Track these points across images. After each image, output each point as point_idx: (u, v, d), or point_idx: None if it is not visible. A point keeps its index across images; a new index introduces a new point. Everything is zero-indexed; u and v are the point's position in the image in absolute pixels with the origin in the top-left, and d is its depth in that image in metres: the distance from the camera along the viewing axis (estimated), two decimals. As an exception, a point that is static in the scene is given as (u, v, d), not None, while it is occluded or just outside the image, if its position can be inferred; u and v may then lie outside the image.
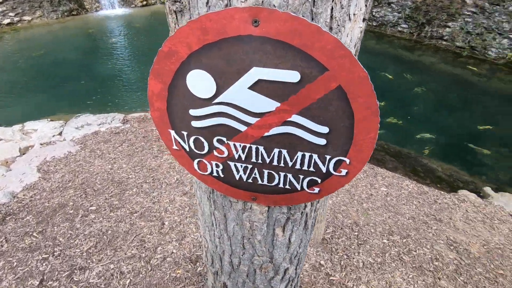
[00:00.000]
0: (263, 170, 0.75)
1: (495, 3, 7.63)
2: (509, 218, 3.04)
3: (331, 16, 0.57)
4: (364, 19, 0.64)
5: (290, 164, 0.72)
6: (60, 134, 4.21)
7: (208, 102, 0.66)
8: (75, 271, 2.19)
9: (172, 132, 0.74)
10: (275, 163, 0.73)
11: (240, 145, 0.71)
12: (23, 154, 3.68)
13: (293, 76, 0.58)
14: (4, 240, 2.41)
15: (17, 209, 2.76)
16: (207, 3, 0.58)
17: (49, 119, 4.72)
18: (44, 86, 6.63)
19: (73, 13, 10.56)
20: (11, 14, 9.60)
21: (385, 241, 2.57)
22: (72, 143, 3.97)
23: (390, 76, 7.10)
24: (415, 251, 2.48)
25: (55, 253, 2.35)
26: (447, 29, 8.40)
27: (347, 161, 0.67)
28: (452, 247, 2.56)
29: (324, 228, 2.56)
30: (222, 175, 0.79)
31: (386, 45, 8.90)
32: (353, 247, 2.50)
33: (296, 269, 1.06)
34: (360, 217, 2.83)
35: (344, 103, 0.59)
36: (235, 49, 0.58)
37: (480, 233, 2.77)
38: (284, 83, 0.59)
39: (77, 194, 2.98)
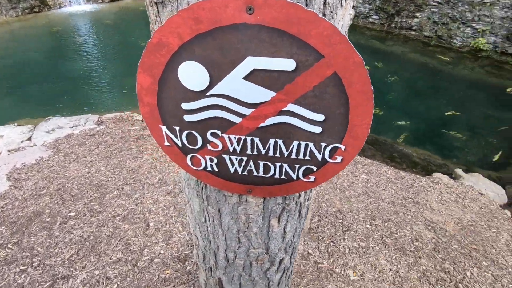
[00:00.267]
0: (259, 161, 0.74)
1: (459, -6, 8.04)
2: (479, 197, 3.26)
3: (324, 3, 0.57)
4: (353, 6, 0.65)
5: (286, 154, 0.72)
6: (30, 139, 3.97)
7: (201, 94, 0.64)
8: (58, 280, 2.10)
9: (164, 128, 0.71)
10: (270, 154, 0.72)
11: (235, 137, 0.70)
12: (-11, 162, 3.44)
13: (289, 65, 0.58)
14: (-25, 255, 2.26)
15: (-13, 221, 2.58)
16: (198, -9, 0.56)
17: (15, 124, 4.44)
18: (6, 90, 6.20)
19: (34, 10, 9.90)
20: (-37, 12, 8.86)
21: (368, 226, 2.67)
22: (43, 148, 3.76)
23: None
24: (397, 234, 2.60)
25: (33, 264, 2.24)
26: (415, 19, 8.75)
27: (342, 147, 0.69)
28: (429, 227, 2.70)
29: (310, 218, 2.61)
30: (216, 169, 0.78)
31: (359, 36, 9.13)
32: (338, 234, 2.57)
33: (290, 258, 1.07)
34: (344, 205, 2.91)
35: (340, 90, 0.60)
36: (229, 38, 0.56)
37: (454, 212, 2.95)
38: (280, 72, 0.59)
39: (54, 201, 2.84)
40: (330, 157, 0.71)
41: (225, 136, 0.71)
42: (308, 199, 0.94)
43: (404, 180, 3.40)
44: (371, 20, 9.59)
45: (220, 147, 0.73)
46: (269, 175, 0.76)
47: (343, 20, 0.63)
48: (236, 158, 0.75)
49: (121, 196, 2.91)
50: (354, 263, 2.32)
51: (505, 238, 2.71)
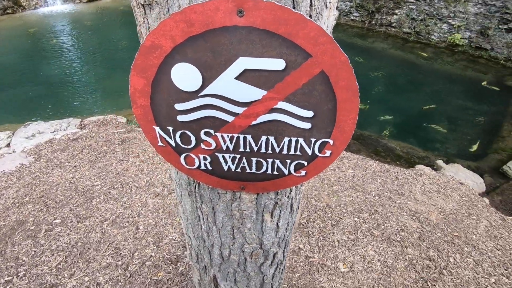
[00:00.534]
0: (251, 158, 0.77)
1: (434, -10, 8.33)
2: (459, 186, 3.40)
3: (311, 4, 0.60)
4: (337, 7, 0.68)
5: (277, 150, 0.74)
6: (8, 145, 3.83)
7: (194, 95, 0.66)
8: (46, 289, 2.05)
9: (157, 129, 0.73)
10: (263, 150, 0.75)
11: (228, 136, 0.72)
12: (-34, 171, 3.30)
13: (278, 64, 0.60)
14: (-44, 268, 2.18)
15: (-33, 232, 2.49)
16: (189, -6, 0.57)
17: (-8, 130, 4.26)
18: (-20, 95, 5.93)
19: (7, 11, 9.49)
20: None
21: (356, 219, 2.74)
22: (23, 154, 3.64)
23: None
24: (383, 225, 2.68)
25: (19, 274, 2.18)
26: (395, 16, 9.00)
27: (331, 142, 0.72)
28: (414, 218, 2.80)
29: (300, 214, 2.66)
30: (210, 168, 0.79)
31: (341, 33, 9.29)
32: (327, 228, 2.63)
33: (283, 252, 1.10)
34: (332, 200, 2.98)
35: (327, 87, 0.63)
36: (221, 40, 0.58)
37: (436, 202, 3.07)
38: (270, 71, 0.62)
39: (37, 209, 2.76)
40: (319, 151, 0.74)
41: (218, 134, 0.73)
42: (299, 194, 0.97)
43: (389, 173, 3.51)
44: (352, 17, 9.78)
45: (214, 145, 0.75)
46: (261, 171, 0.79)
47: (328, 20, 0.66)
48: (230, 156, 0.77)
49: (108, 201, 2.87)
50: (344, 255, 2.39)
51: (484, 224, 2.84)
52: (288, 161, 0.77)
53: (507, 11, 7.48)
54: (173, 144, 0.76)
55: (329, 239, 2.53)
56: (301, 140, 0.72)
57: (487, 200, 3.33)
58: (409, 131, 5.35)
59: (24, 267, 2.22)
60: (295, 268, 2.28)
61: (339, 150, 0.73)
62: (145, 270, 2.23)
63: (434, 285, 2.19)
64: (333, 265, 2.30)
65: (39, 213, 2.70)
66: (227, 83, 0.63)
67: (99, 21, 9.77)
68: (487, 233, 2.73)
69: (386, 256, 2.40)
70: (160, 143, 0.76)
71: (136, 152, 3.66)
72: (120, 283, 2.13)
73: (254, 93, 0.64)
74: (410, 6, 8.75)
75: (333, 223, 2.69)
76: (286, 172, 0.79)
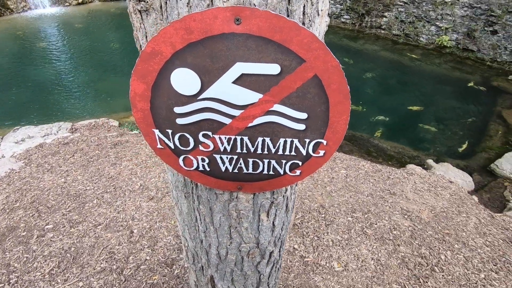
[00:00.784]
0: (248, 159, 0.79)
1: (422, -6, 8.54)
2: (449, 185, 3.49)
3: (304, 13, 0.63)
4: (328, 14, 0.71)
5: (273, 150, 0.77)
6: (-2, 150, 3.76)
7: (193, 98, 0.68)
8: (40, 295, 2.03)
9: (157, 132, 0.75)
10: (259, 151, 0.78)
11: (225, 137, 0.75)
12: (-46, 177, 3.24)
13: (274, 69, 0.63)
14: None
15: (-43, 239, 2.44)
16: (188, 3, 0.60)
17: (-20, 135, 4.19)
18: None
19: (-5, 14, 9.35)
20: None
21: (349, 218, 2.79)
22: (13, 159, 3.58)
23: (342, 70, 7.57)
24: (376, 224, 2.73)
25: (11, 281, 2.14)
26: (384, 18, 9.19)
27: (324, 142, 0.75)
28: (406, 216, 2.86)
29: (294, 215, 2.68)
30: (208, 169, 0.82)
31: (332, 36, 9.43)
32: (322, 228, 2.67)
33: (279, 251, 1.13)
34: (325, 200, 3.02)
35: (320, 90, 0.66)
36: (219, 46, 0.61)
37: (427, 200, 3.14)
38: (266, 76, 0.65)
39: (28, 214, 2.72)
40: (313, 151, 0.78)
41: (216, 136, 0.75)
42: (294, 193, 1.00)
43: (381, 173, 3.57)
44: (342, 20, 9.93)
45: (212, 147, 0.77)
46: (258, 171, 0.82)
47: (320, 27, 0.70)
48: (227, 157, 0.79)
49: (101, 205, 2.85)
50: (338, 255, 2.42)
51: (474, 221, 2.92)
52: (284, 161, 0.80)
53: (492, 13, 7.71)
54: (172, 146, 0.78)
55: (323, 239, 2.56)
56: (296, 141, 0.75)
57: (476, 198, 3.42)
58: (400, 132, 5.46)
59: (16, 274, 2.19)
60: (290, 268, 2.30)
61: (332, 150, 0.77)
62: (140, 274, 2.23)
63: (426, 282, 2.25)
64: (327, 265, 2.33)
65: (30, 219, 2.66)
66: (224, 87, 0.66)
67: (89, 24, 9.68)
68: (476, 230, 2.81)
69: (379, 255, 2.44)
70: (159, 146, 0.78)
71: (129, 155, 3.64)
72: (115, 288, 2.12)
73: (251, 96, 0.67)
74: (399, 9, 8.94)
75: (327, 223, 2.73)
76: (281, 172, 0.82)
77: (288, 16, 0.62)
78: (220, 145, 0.76)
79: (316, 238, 2.57)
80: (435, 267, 2.37)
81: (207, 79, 0.65)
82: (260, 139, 0.75)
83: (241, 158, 0.79)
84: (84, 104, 5.90)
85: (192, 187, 0.94)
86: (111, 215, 2.73)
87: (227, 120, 0.72)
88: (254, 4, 0.59)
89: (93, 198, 2.94)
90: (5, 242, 2.44)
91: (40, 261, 2.29)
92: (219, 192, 0.89)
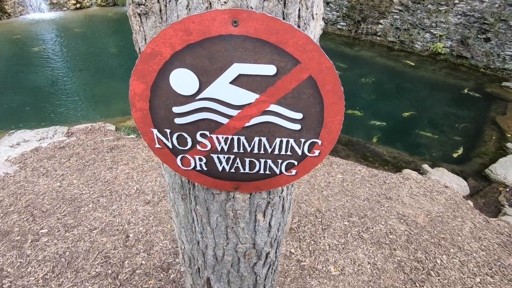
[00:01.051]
0: (245, 159, 0.81)
1: (417, 2, 8.72)
2: (445, 189, 3.52)
3: (299, 16, 0.65)
4: (322, 18, 0.74)
5: (269, 150, 0.79)
6: (-7, 154, 3.74)
7: (191, 98, 0.70)
8: (33, 300, 2.01)
9: (155, 131, 0.76)
10: (255, 151, 0.79)
11: (222, 137, 0.76)
12: None
13: (270, 70, 0.65)
14: None
15: (-51, 243, 2.41)
16: (187, 6, 0.62)
17: (-25, 139, 4.15)
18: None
19: (-9, 18, 9.34)
20: None
21: (346, 223, 2.79)
22: (8, 163, 3.56)
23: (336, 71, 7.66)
24: (372, 228, 2.74)
25: (4, 286, 2.12)
26: (380, 25, 9.34)
27: (319, 142, 0.77)
28: (402, 220, 2.87)
29: (291, 219, 2.69)
30: (205, 168, 0.83)
31: (329, 42, 9.55)
32: (318, 232, 2.67)
33: (276, 252, 1.13)
34: (322, 204, 3.03)
35: (315, 91, 0.68)
36: (217, 47, 0.63)
37: (423, 205, 3.16)
38: (262, 76, 0.67)
39: (23, 218, 2.70)
40: (309, 151, 0.79)
41: (214, 136, 0.77)
42: (290, 194, 1.01)
43: (377, 177, 3.60)
44: (339, 26, 10.09)
45: (209, 147, 0.78)
46: (254, 171, 0.83)
47: (315, 30, 0.72)
48: (224, 157, 0.81)
49: (97, 209, 2.83)
50: (334, 259, 2.42)
51: (469, 226, 2.94)
52: (280, 161, 0.81)
53: (485, 21, 7.87)
54: (170, 146, 0.79)
55: (320, 243, 2.56)
56: (291, 141, 0.77)
57: (471, 203, 3.45)
58: (396, 137, 5.51)
59: (9, 279, 2.16)
60: (287, 272, 2.30)
61: (327, 150, 0.78)
62: (135, 279, 2.21)
63: (422, 286, 2.25)
64: (324, 269, 2.33)
65: (24, 223, 2.64)
66: (222, 87, 0.68)
67: (86, 29, 9.72)
68: (471, 234, 2.83)
69: (376, 259, 2.45)
70: (157, 145, 0.79)
71: (126, 159, 3.64)
72: (110, 292, 2.10)
73: (248, 96, 0.69)
74: (394, 16, 9.10)
75: (323, 227, 2.73)
76: (277, 171, 0.83)
77: (284, 19, 0.64)
78: (217, 144, 0.78)
79: (312, 242, 2.57)
80: (431, 271, 2.38)
81: (205, 79, 0.67)
82: (256, 139, 0.76)
83: (238, 158, 0.81)
84: (81, 108, 5.89)
85: (190, 188, 0.95)
86: (106, 219, 2.71)
87: (224, 120, 0.73)
88: (251, 7, 0.61)
89: (88, 202, 2.92)
90: (-1, 247, 2.41)
91: (34, 265, 2.27)
92: (216, 192, 0.90)
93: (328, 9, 10.02)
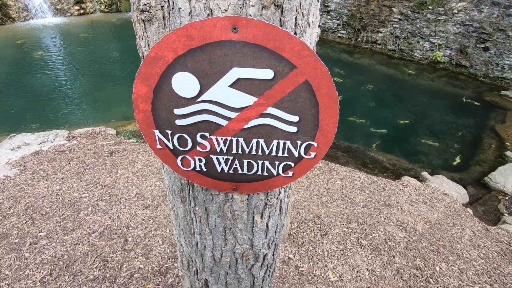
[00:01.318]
0: (243, 160, 0.83)
1: (416, 11, 8.85)
2: (444, 197, 3.52)
3: (295, 23, 0.69)
4: (319, 26, 0.77)
5: (267, 152, 0.82)
6: (-6, 157, 3.76)
7: (192, 101, 0.73)
8: (31, 302, 2.00)
9: (157, 132, 0.79)
10: (253, 152, 0.82)
11: (221, 138, 0.79)
12: (-51, 183, 3.22)
13: (267, 74, 0.69)
14: None
15: (-52, 245, 2.42)
16: (190, 13, 0.65)
17: (-23, 142, 4.19)
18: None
19: (-4, 23, 9.48)
20: None
21: (344, 229, 2.80)
22: (8, 166, 3.58)
23: (335, 78, 7.74)
24: (371, 235, 2.74)
25: (2, 288, 2.12)
26: (380, 34, 9.46)
27: (315, 144, 0.80)
28: (401, 227, 2.88)
29: (289, 224, 2.69)
30: (205, 169, 0.85)
31: (329, 50, 9.67)
32: (317, 238, 2.67)
33: (273, 254, 1.15)
34: (321, 210, 3.03)
35: (311, 95, 0.71)
36: (217, 52, 0.66)
37: (422, 212, 3.17)
38: (260, 80, 0.70)
39: (22, 221, 2.70)
40: (305, 153, 0.82)
41: (213, 137, 0.79)
42: (287, 196, 1.03)
43: (376, 184, 3.61)
44: (339, 34, 10.22)
45: (208, 148, 0.81)
46: (252, 172, 0.86)
47: (311, 37, 0.75)
48: (223, 158, 0.83)
49: (96, 212, 2.84)
50: (333, 265, 2.42)
51: (468, 234, 2.94)
52: (277, 162, 0.84)
53: (484, 31, 7.97)
54: (171, 147, 0.82)
55: (319, 249, 2.56)
56: (288, 143, 0.80)
57: (470, 211, 3.45)
58: (396, 144, 5.54)
59: (7, 281, 2.16)
60: (285, 278, 2.30)
61: (322, 152, 0.81)
62: (133, 283, 2.21)
63: (421, 293, 2.25)
64: (322, 275, 2.33)
65: (23, 226, 2.65)
66: (222, 90, 0.71)
67: (90, 34, 9.85)
68: (471, 242, 2.83)
69: (374, 265, 2.45)
70: (158, 146, 0.82)
71: (126, 163, 3.66)
72: (107, 296, 2.10)
73: (246, 99, 0.72)
74: (394, 25, 9.23)
75: (322, 233, 2.74)
76: (275, 173, 0.86)
77: (281, 26, 0.68)
78: (216, 146, 0.80)
79: (311, 248, 2.57)
80: (430, 279, 2.37)
81: (206, 82, 0.70)
82: (254, 141, 0.79)
83: (236, 159, 0.83)
84: (82, 112, 5.94)
85: (189, 189, 0.97)
86: (105, 223, 2.72)
87: (223, 122, 0.76)
88: (250, 15, 0.65)
89: (88, 206, 2.93)
90: (-3, 249, 2.42)
91: (32, 268, 2.27)
92: (215, 193, 0.92)
93: (329, 17, 10.16)
